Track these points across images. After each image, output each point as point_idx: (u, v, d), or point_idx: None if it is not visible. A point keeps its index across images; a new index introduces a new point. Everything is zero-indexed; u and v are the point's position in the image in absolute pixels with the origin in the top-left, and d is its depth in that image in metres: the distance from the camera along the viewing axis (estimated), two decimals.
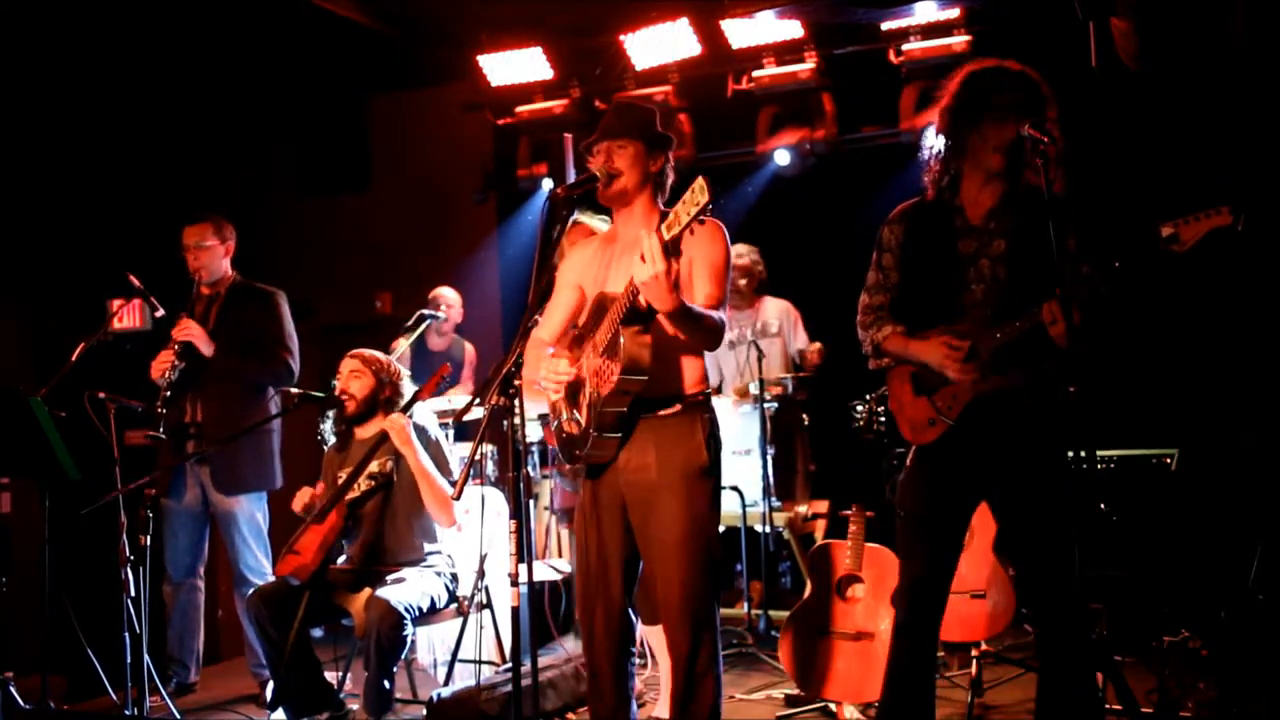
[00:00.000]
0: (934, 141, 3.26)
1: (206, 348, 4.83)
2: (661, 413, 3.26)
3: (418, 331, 6.25)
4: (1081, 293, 2.94)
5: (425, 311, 6.37)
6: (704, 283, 3.26)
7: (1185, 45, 5.00)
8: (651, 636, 4.31)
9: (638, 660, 4.24)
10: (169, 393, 4.70)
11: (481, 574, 4.62)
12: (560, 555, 5.92)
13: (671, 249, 2.89)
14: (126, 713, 4.33)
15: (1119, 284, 2.94)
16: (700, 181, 2.77)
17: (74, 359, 4.58)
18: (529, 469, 5.89)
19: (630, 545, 3.32)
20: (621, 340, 3.10)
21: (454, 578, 4.51)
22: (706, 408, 3.32)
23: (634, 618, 3.46)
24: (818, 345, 6.22)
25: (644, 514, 3.27)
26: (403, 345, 6.18)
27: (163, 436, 4.64)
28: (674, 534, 3.22)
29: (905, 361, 3.25)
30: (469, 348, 6.92)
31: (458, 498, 3.46)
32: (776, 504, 5.77)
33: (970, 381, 3.11)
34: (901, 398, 3.27)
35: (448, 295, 6.81)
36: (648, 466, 3.26)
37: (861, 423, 4.37)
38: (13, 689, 4.49)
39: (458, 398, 6.18)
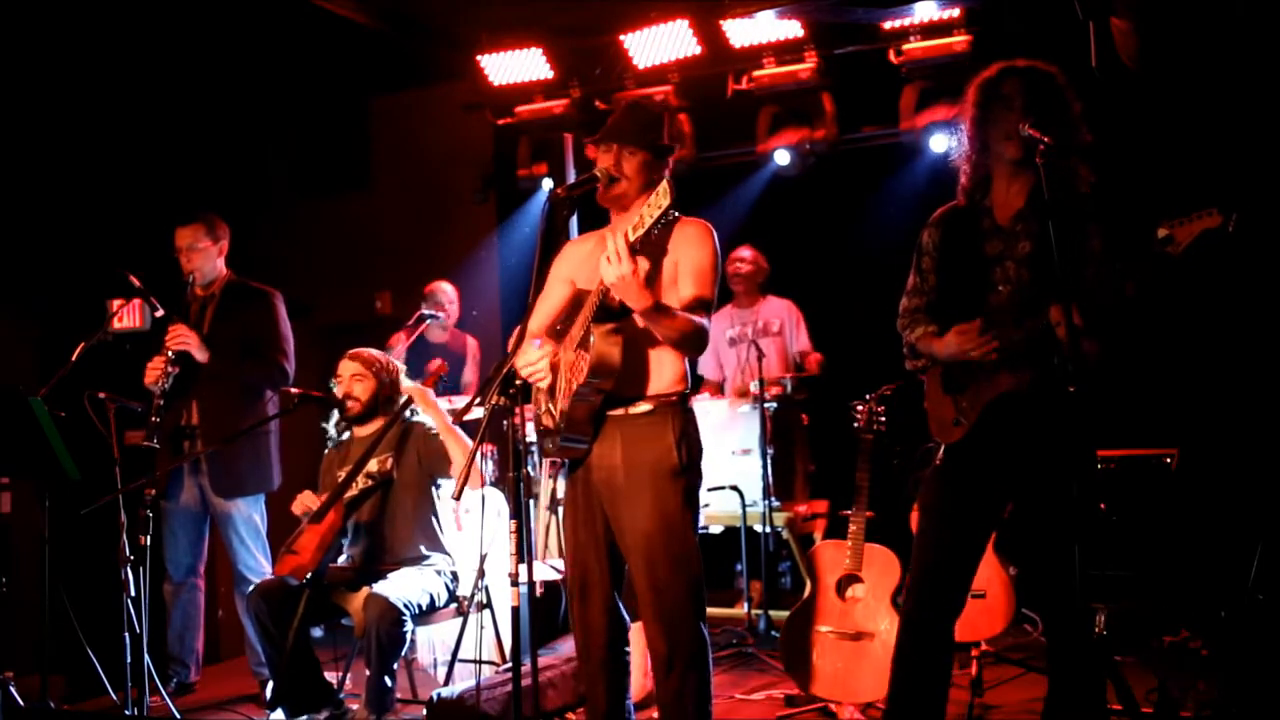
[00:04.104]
0: (959, 149, 3.27)
1: (201, 354, 4.81)
2: (632, 411, 3.26)
3: (418, 331, 6.26)
4: (1088, 299, 2.95)
5: (425, 311, 6.38)
6: (686, 284, 3.25)
7: (1185, 45, 5.00)
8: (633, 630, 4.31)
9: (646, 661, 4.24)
10: (162, 400, 4.67)
11: (481, 574, 4.62)
12: (561, 555, 5.92)
13: (638, 248, 2.90)
14: (126, 713, 4.32)
15: (1119, 287, 2.95)
16: (664, 184, 2.81)
17: (74, 359, 4.57)
18: (529, 469, 5.89)
19: (613, 542, 3.33)
20: (592, 339, 3.11)
21: (454, 577, 4.51)
22: (682, 407, 3.31)
23: (625, 614, 3.47)
24: (818, 356, 6.23)
25: (617, 513, 3.29)
26: (402, 340, 6.19)
27: (156, 446, 4.61)
28: (644, 534, 3.23)
29: (939, 362, 3.27)
30: (471, 341, 6.91)
31: (457, 498, 3.46)
32: (776, 504, 5.77)
33: (991, 374, 3.11)
34: (934, 397, 3.30)
35: (444, 289, 6.81)
36: (617, 466, 3.27)
37: (861, 423, 4.37)
38: (13, 689, 4.48)
39: (459, 397, 6.19)
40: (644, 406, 3.27)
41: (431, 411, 4.39)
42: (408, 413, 4.45)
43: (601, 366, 3.12)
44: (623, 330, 3.13)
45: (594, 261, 3.40)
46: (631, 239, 2.90)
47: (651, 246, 3.20)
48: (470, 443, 4.32)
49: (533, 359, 3.25)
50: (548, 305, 3.47)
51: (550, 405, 3.33)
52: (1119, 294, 2.97)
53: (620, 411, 3.26)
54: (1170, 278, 2.94)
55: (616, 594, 3.38)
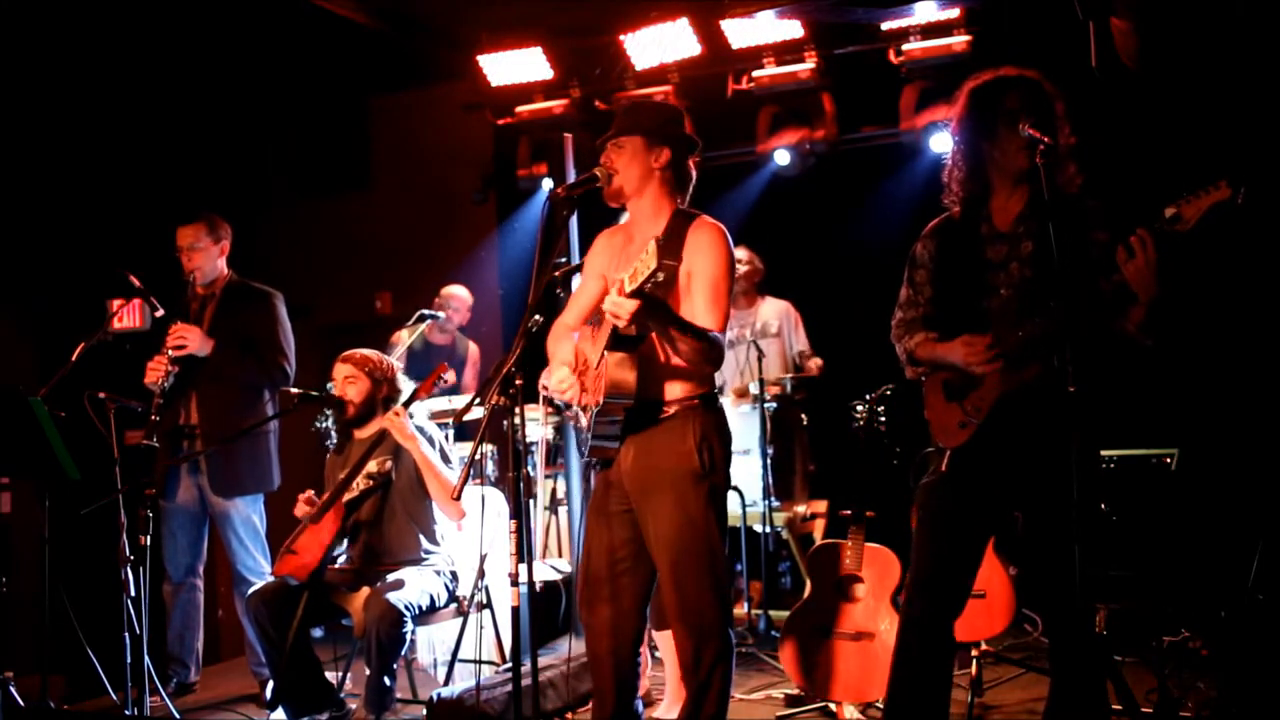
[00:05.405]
0: (952, 163, 3.27)
1: (204, 348, 4.81)
2: (658, 416, 3.27)
3: (419, 330, 6.27)
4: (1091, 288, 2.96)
5: (425, 311, 6.39)
6: (700, 298, 3.25)
7: (1185, 45, 5.00)
8: (660, 639, 4.32)
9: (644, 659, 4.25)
10: (162, 400, 4.66)
11: (481, 574, 4.62)
12: (560, 555, 5.92)
13: (638, 294, 2.96)
14: (126, 713, 4.33)
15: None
16: (650, 245, 2.87)
17: (74, 359, 4.57)
18: (529, 469, 5.89)
19: (642, 546, 3.33)
20: (607, 364, 3.15)
21: (454, 577, 4.51)
22: (704, 410, 3.30)
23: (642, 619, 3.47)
24: (818, 361, 6.23)
25: (643, 517, 3.29)
26: (404, 339, 6.20)
27: (155, 445, 4.61)
28: (667, 538, 3.23)
29: (938, 368, 3.26)
30: (472, 346, 6.93)
31: (457, 497, 3.47)
32: (776, 504, 5.77)
33: (994, 373, 3.11)
34: (935, 404, 3.29)
35: (459, 294, 6.82)
36: (641, 471, 3.28)
37: (861, 423, 4.37)
38: (13, 689, 4.48)
39: (458, 398, 6.19)
40: (666, 411, 3.27)
41: (409, 444, 4.33)
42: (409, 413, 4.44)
43: (617, 391, 3.17)
44: (637, 353, 3.17)
45: (612, 258, 3.43)
46: (629, 289, 2.95)
47: (667, 252, 3.22)
48: (450, 475, 4.33)
49: (564, 379, 3.33)
50: (583, 299, 3.51)
51: (581, 412, 3.36)
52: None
53: (645, 416, 3.26)
54: (1176, 261, 2.92)
55: (640, 601, 3.36)
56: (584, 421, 3.32)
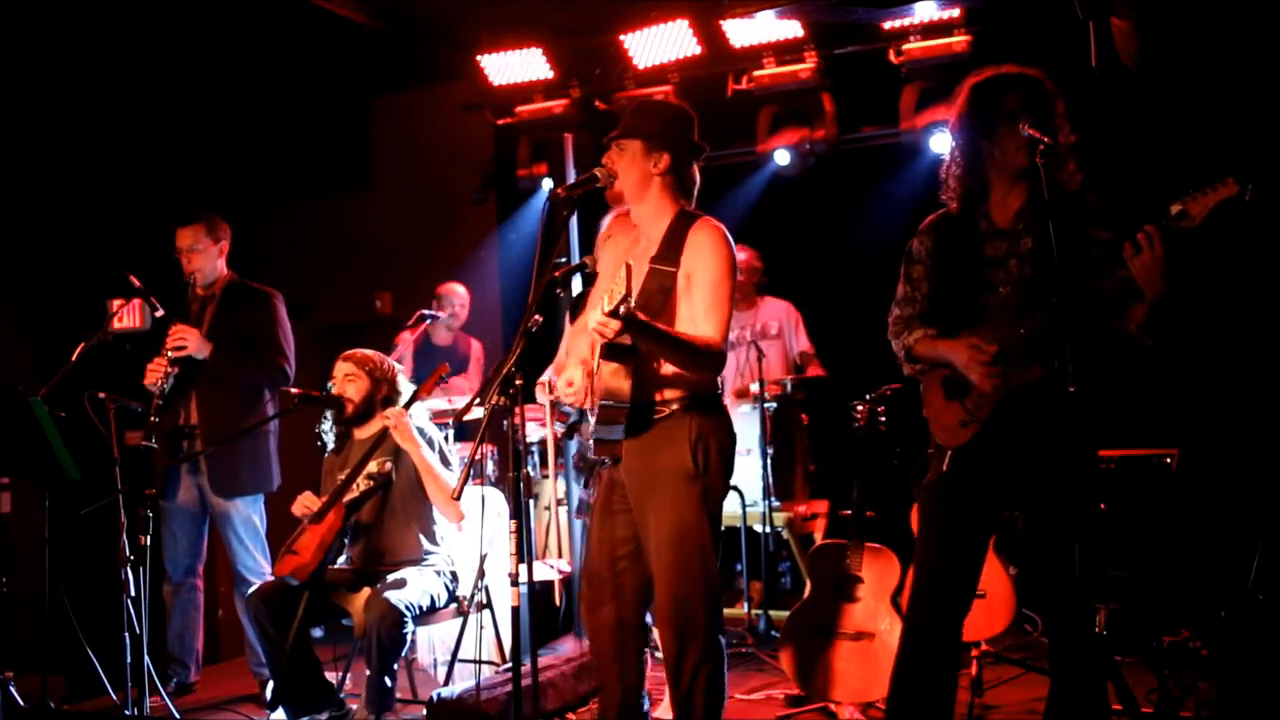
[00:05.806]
0: (951, 159, 3.26)
1: (203, 351, 4.81)
2: (654, 417, 3.27)
3: (420, 329, 6.28)
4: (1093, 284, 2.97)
5: (425, 311, 6.39)
6: (701, 305, 3.24)
7: (1185, 45, 5.00)
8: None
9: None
10: (161, 400, 4.66)
11: (481, 574, 4.62)
12: (560, 555, 5.92)
13: (614, 315, 2.95)
14: (126, 713, 4.33)
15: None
16: (622, 271, 2.88)
17: (74, 359, 4.57)
18: (529, 469, 5.89)
19: (635, 549, 3.33)
20: (602, 373, 3.17)
21: (454, 577, 4.51)
22: (701, 411, 3.30)
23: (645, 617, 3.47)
24: (819, 371, 6.23)
25: (640, 517, 3.30)
26: (407, 340, 6.21)
27: (155, 446, 4.60)
28: (659, 538, 3.23)
29: (936, 365, 3.25)
30: (475, 343, 6.93)
31: (457, 497, 3.47)
32: (776, 504, 5.77)
33: (992, 386, 3.10)
34: (934, 403, 3.27)
35: (458, 291, 6.82)
36: (638, 470, 3.28)
37: (861, 423, 4.37)
38: (13, 689, 4.49)
39: (458, 398, 6.19)
40: (662, 411, 3.27)
41: (410, 446, 4.33)
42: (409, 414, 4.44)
43: (611, 397, 3.20)
44: (632, 359, 3.17)
45: (618, 258, 3.41)
46: (608, 309, 2.95)
47: (665, 258, 3.24)
48: (450, 477, 4.32)
49: (571, 378, 3.33)
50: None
51: (587, 412, 3.38)
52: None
53: (643, 416, 3.26)
54: (1181, 258, 2.91)
55: (642, 599, 3.36)
56: (590, 421, 3.33)
